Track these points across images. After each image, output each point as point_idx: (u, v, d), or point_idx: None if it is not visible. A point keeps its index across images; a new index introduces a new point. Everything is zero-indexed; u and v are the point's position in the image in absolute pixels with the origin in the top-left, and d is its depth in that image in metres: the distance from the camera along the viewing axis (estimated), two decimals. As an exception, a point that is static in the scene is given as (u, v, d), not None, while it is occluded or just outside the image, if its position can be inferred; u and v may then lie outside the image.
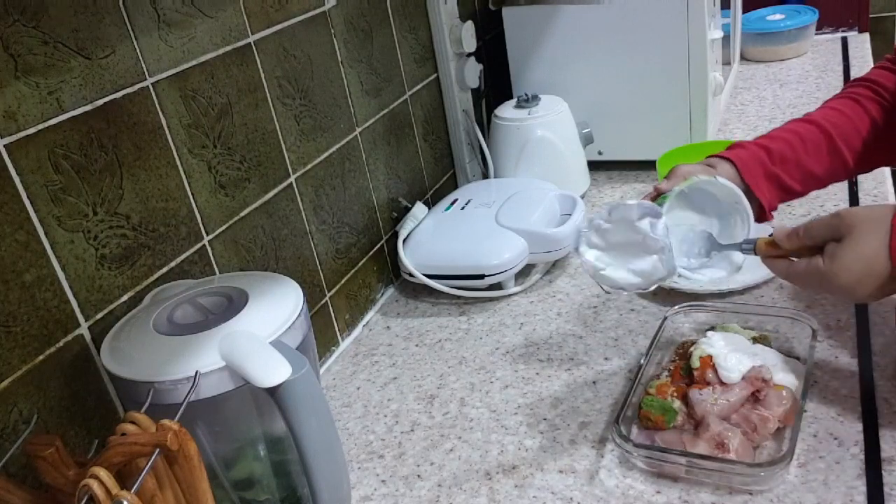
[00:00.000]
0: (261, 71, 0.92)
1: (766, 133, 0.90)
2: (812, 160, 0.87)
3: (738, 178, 0.84)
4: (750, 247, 0.75)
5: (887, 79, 0.89)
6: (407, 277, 1.15)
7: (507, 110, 1.33)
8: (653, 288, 0.77)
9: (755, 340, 0.84)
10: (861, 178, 1.22)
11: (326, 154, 1.04)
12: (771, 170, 0.85)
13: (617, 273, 0.77)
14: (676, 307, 0.93)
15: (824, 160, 0.87)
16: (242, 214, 0.90)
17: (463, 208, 1.20)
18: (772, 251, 0.74)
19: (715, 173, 0.82)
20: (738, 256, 0.78)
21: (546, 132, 1.29)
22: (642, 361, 0.85)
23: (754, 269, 1.03)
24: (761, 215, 0.85)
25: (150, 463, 0.54)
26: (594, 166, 1.41)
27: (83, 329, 0.71)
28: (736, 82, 1.70)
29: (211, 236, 0.86)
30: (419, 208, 1.19)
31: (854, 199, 1.17)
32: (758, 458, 0.74)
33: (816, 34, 1.85)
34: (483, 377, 0.96)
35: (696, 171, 0.82)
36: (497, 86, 1.50)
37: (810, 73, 1.69)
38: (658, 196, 0.81)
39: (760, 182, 0.85)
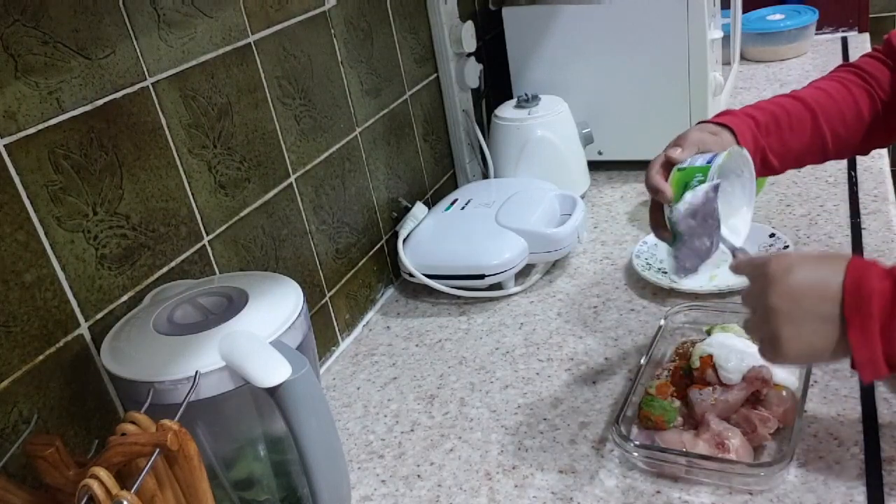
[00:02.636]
0: (261, 71, 0.92)
1: (753, 103, 0.89)
2: (794, 137, 0.86)
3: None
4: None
5: (876, 69, 0.89)
6: (407, 277, 1.15)
7: (507, 110, 1.33)
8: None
9: (755, 340, 0.84)
10: (861, 177, 1.22)
11: (326, 154, 1.04)
12: (759, 142, 0.84)
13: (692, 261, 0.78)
14: (676, 307, 0.93)
15: (805, 139, 0.86)
16: (242, 214, 0.90)
17: (463, 208, 1.20)
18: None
19: (720, 141, 0.81)
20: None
21: (546, 132, 1.29)
22: (642, 361, 0.85)
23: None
24: None
25: (150, 463, 0.54)
26: (594, 166, 1.41)
27: (83, 329, 0.71)
28: (736, 82, 1.70)
29: (211, 236, 0.86)
30: (419, 208, 1.19)
31: (854, 200, 1.17)
32: (758, 458, 0.74)
33: (816, 34, 1.85)
34: (483, 377, 0.96)
35: (707, 140, 0.81)
36: (497, 86, 1.50)
37: (810, 74, 1.69)
38: (668, 163, 0.81)
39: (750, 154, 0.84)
